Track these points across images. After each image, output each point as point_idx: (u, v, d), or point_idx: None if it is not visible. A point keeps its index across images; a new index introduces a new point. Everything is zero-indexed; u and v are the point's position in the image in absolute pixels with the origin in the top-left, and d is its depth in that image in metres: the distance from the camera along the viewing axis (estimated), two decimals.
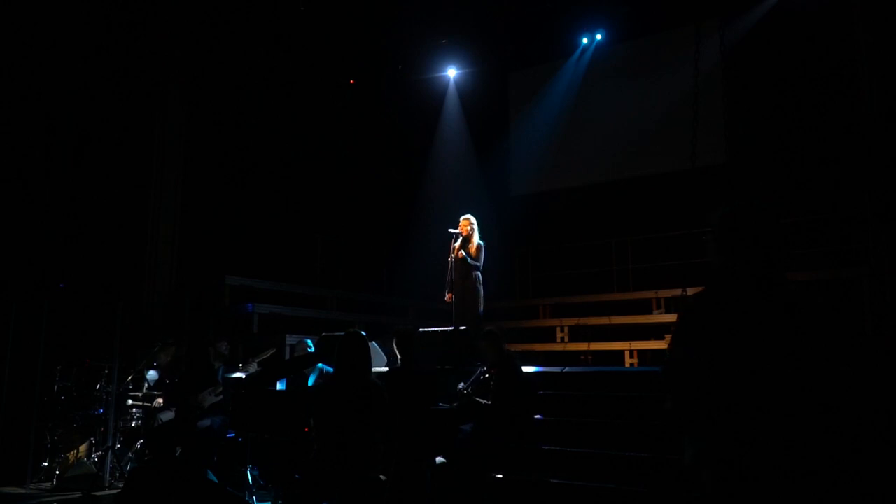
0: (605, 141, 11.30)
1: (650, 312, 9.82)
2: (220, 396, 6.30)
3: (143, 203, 8.94)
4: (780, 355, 2.15)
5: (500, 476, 5.48)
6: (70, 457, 6.76)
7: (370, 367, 4.58)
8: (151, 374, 7.25)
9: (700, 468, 2.21)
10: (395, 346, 5.43)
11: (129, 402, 7.11)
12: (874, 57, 7.37)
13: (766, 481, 2.09)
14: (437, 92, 12.63)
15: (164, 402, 6.98)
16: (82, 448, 6.84)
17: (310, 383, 6.41)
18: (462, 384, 5.99)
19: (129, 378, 7.12)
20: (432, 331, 7.31)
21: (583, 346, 9.96)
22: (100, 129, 8.70)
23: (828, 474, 2.11)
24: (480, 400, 5.68)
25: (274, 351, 7.06)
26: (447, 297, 7.44)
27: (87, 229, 8.47)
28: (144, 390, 7.12)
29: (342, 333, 4.62)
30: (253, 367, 6.68)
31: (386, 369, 6.11)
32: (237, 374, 6.55)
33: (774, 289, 2.26)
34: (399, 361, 5.48)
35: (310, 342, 6.82)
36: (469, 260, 7.37)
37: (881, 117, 7.18)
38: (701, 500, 2.28)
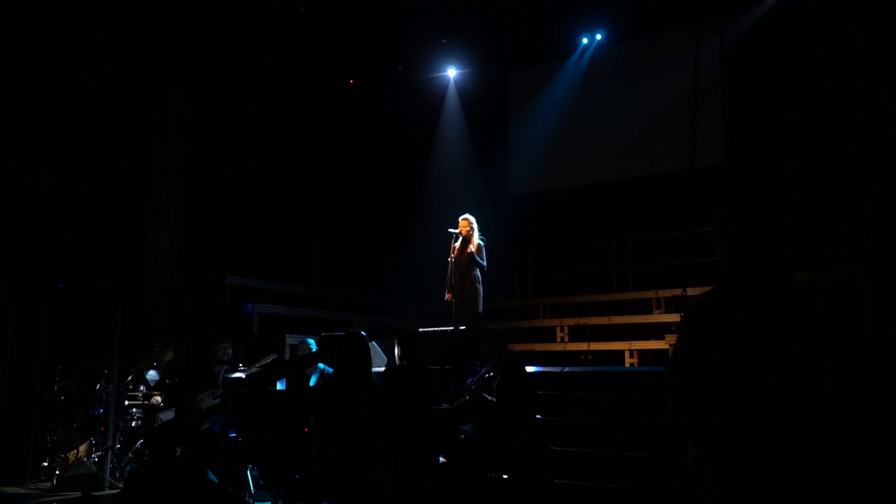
0: (605, 140, 11.31)
1: (650, 312, 9.83)
2: (218, 399, 6.30)
3: (144, 203, 8.93)
4: (782, 355, 2.15)
5: (501, 476, 5.48)
6: (70, 457, 6.76)
7: (370, 367, 4.58)
8: (151, 374, 7.26)
9: (703, 468, 2.21)
10: (396, 346, 5.43)
11: (128, 402, 7.11)
12: (874, 57, 7.37)
13: (770, 481, 2.09)
14: (437, 92, 12.63)
15: (163, 402, 6.99)
16: (82, 448, 6.84)
17: (311, 383, 6.41)
18: (470, 379, 5.99)
19: (129, 378, 7.13)
20: (432, 331, 7.30)
21: (583, 346, 9.96)
22: (100, 130, 8.69)
23: (831, 474, 2.11)
24: (487, 396, 5.69)
25: (274, 357, 7.06)
26: (447, 296, 7.44)
27: (88, 230, 8.46)
28: (144, 390, 7.12)
29: (342, 333, 4.62)
30: (253, 369, 6.68)
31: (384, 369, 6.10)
32: (237, 374, 6.55)
33: (776, 289, 2.26)
34: (399, 361, 5.48)
35: (312, 342, 6.82)
36: (477, 259, 7.39)
37: (881, 117, 7.19)
38: (703, 500, 2.28)
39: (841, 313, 7.90)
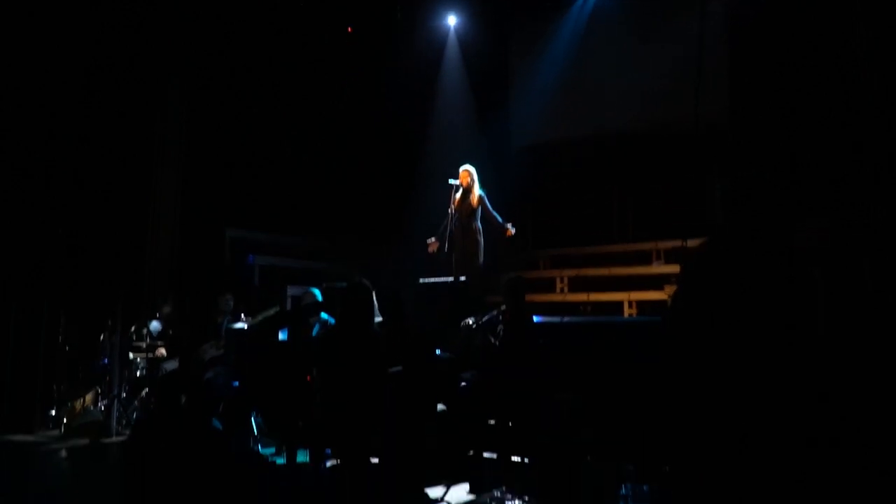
0: (608, 91, 11.13)
1: (650, 263, 9.85)
2: (221, 350, 6.37)
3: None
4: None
5: (501, 424, 5.56)
6: (76, 405, 6.88)
7: (373, 317, 4.62)
8: (154, 325, 7.34)
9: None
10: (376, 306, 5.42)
11: (132, 355, 7.20)
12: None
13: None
14: (437, 42, 12.38)
15: (166, 353, 7.08)
16: (88, 397, 6.96)
17: (314, 334, 6.46)
18: (472, 318, 6.02)
19: (133, 329, 7.20)
20: (433, 282, 7.34)
21: (582, 297, 10.01)
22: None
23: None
24: (491, 337, 5.73)
25: (277, 309, 7.09)
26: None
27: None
28: (147, 341, 7.20)
29: (345, 284, 4.64)
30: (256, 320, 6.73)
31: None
32: (240, 325, 6.61)
33: (774, 251, 2.26)
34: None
35: (317, 292, 6.85)
36: (486, 212, 7.49)
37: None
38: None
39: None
